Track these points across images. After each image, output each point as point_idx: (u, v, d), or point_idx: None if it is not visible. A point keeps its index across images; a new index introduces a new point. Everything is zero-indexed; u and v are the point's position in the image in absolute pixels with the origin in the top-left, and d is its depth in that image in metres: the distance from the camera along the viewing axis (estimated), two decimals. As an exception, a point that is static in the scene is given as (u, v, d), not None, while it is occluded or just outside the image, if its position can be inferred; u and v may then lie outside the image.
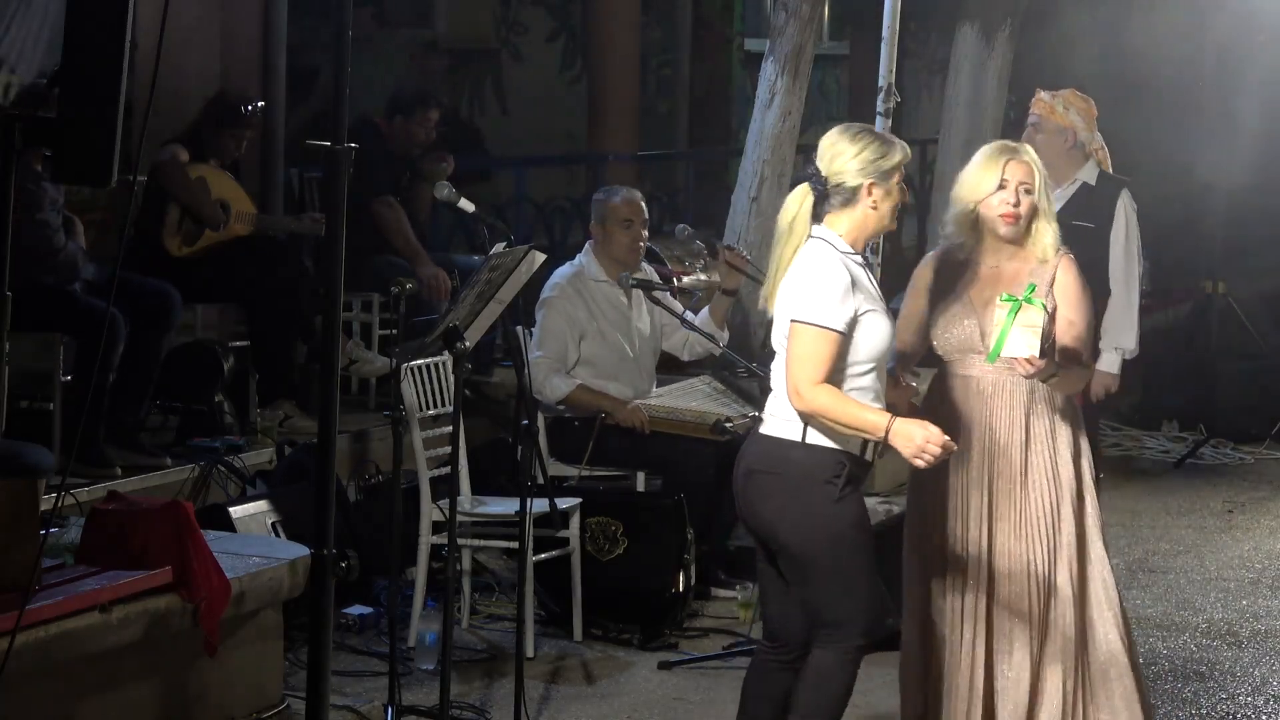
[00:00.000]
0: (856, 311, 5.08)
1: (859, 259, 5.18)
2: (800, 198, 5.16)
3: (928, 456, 5.06)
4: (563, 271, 7.95)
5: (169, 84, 8.59)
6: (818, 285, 5.07)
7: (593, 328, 7.86)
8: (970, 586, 5.62)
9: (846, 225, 5.16)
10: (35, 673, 5.20)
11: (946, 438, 5.10)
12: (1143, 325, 7.45)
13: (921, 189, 13.71)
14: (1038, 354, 5.36)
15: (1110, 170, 7.47)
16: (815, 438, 5.12)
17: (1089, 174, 7.38)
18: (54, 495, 5.30)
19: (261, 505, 7.14)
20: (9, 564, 5.16)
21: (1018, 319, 5.35)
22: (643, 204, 8.02)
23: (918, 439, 5.05)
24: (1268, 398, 11.34)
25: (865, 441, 5.14)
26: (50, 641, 5.24)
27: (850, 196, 5.14)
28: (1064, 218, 5.96)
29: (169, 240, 8.36)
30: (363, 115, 9.19)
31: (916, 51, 16.39)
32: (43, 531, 5.23)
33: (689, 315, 7.97)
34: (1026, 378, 5.49)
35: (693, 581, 7.44)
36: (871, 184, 5.12)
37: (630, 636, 7.27)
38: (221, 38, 9.61)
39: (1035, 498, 5.59)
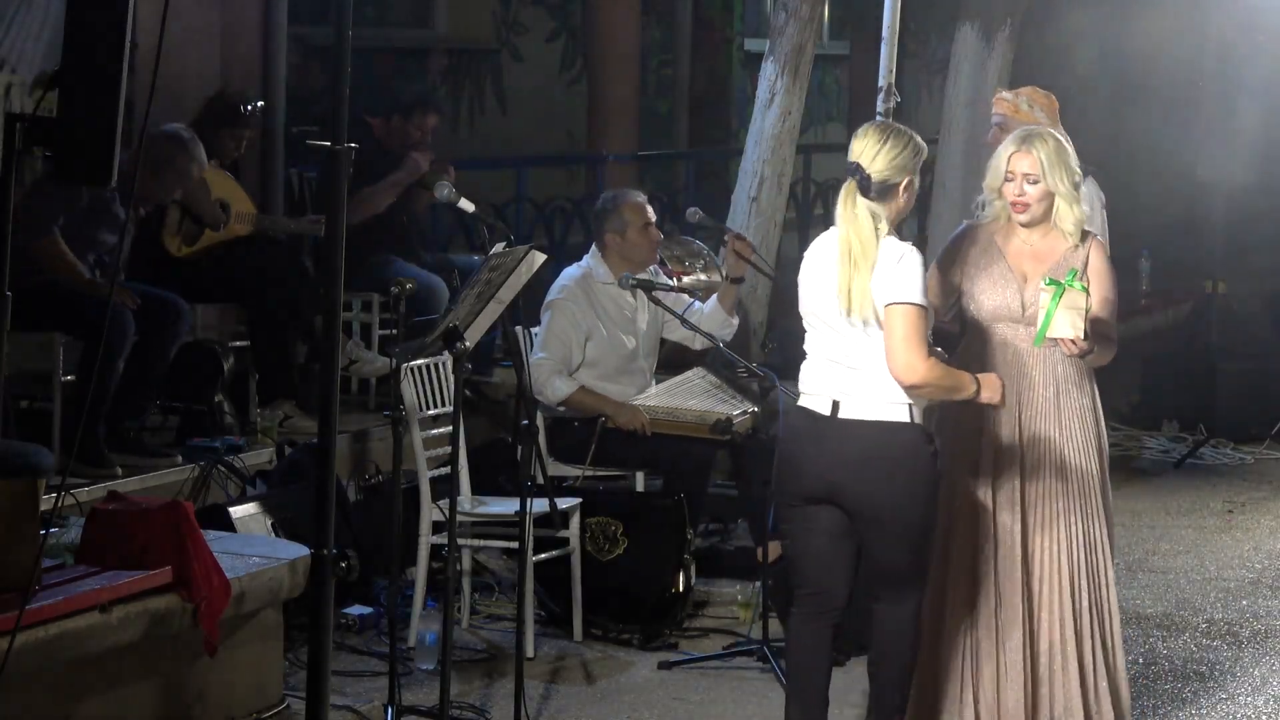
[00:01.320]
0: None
1: None
2: (854, 195, 5.47)
3: (1001, 395, 5.67)
4: (570, 274, 7.95)
5: (169, 84, 8.59)
6: (907, 267, 5.41)
7: (599, 330, 7.86)
8: (1004, 542, 5.91)
9: (890, 215, 5.52)
10: (35, 673, 5.20)
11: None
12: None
13: (921, 189, 13.68)
14: (1083, 335, 5.72)
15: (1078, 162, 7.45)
16: (919, 416, 5.53)
17: None
18: (54, 495, 5.30)
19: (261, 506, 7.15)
20: (9, 564, 5.16)
21: (1062, 302, 5.71)
22: (645, 200, 8.10)
23: (998, 383, 5.66)
24: (1268, 398, 11.33)
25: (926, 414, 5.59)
26: (50, 641, 5.24)
27: (890, 191, 5.51)
28: None
29: (169, 240, 8.36)
30: (355, 115, 9.16)
31: (916, 51, 16.38)
32: (43, 531, 5.23)
33: (696, 304, 7.99)
34: (1069, 356, 5.86)
35: (693, 581, 7.45)
36: (909, 180, 5.57)
37: (630, 636, 7.26)
38: (221, 38, 9.60)
39: (1071, 461, 5.91)
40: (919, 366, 5.37)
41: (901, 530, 5.53)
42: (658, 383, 8.07)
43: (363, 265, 8.81)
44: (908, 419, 5.48)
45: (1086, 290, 5.74)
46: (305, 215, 9.27)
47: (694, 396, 7.98)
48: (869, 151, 5.47)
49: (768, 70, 9.98)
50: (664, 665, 6.99)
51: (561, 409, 7.75)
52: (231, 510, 6.96)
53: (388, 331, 9.23)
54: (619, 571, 7.37)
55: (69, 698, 5.40)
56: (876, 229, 5.42)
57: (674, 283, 8.44)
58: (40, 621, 5.19)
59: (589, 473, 7.77)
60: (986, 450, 5.91)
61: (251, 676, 6.10)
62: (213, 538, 6.00)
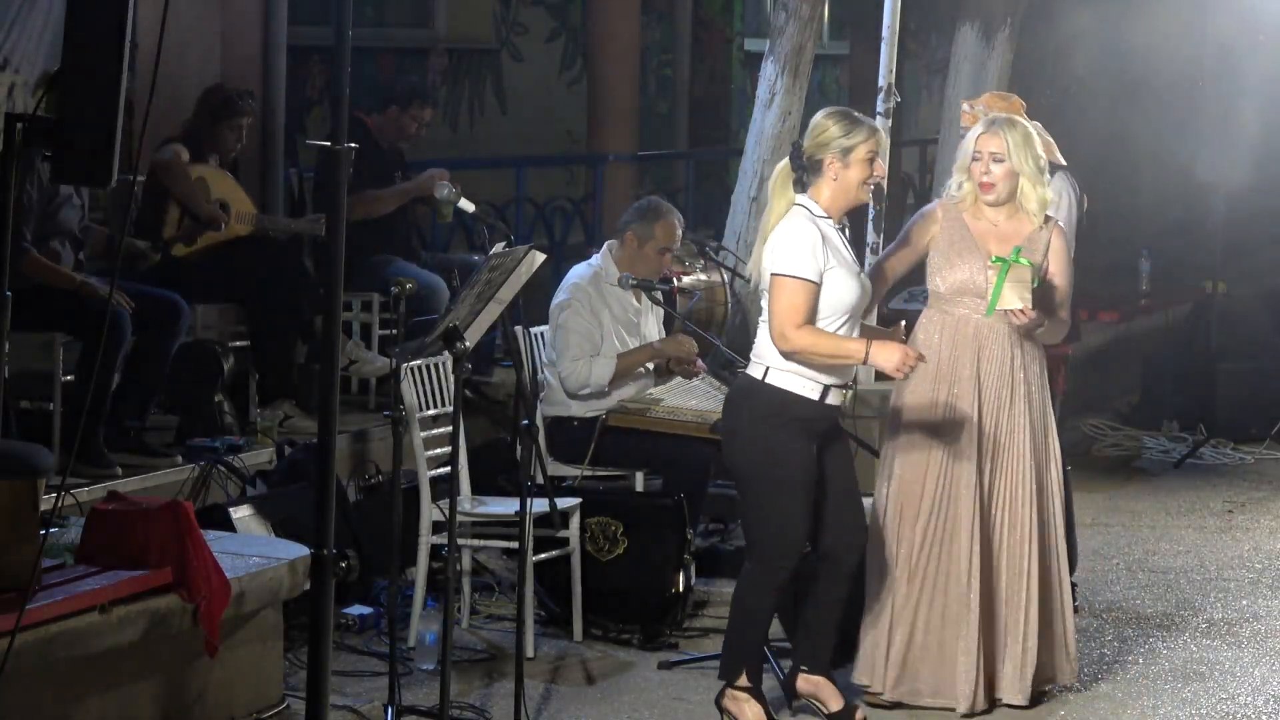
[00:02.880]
0: (824, 266, 5.89)
1: (832, 223, 5.99)
2: (782, 167, 6.03)
3: (907, 368, 5.89)
4: (580, 272, 7.93)
5: (169, 84, 8.59)
6: (791, 241, 5.89)
7: (608, 330, 7.86)
8: (965, 512, 6.35)
9: (822, 194, 5.98)
10: (35, 673, 5.20)
11: (917, 351, 5.95)
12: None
13: (921, 189, 13.70)
14: (1030, 305, 6.21)
15: (1060, 159, 7.47)
16: (774, 379, 5.96)
17: None
18: (54, 495, 5.30)
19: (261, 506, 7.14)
20: (9, 564, 5.16)
21: (1009, 276, 6.18)
22: (680, 232, 8.02)
23: (897, 354, 5.87)
24: (1268, 398, 11.33)
25: (826, 387, 5.94)
26: (50, 641, 5.24)
27: (817, 169, 5.97)
28: None
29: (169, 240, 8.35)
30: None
31: (916, 51, 16.38)
32: (43, 531, 5.23)
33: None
34: (1019, 327, 6.29)
35: (693, 581, 7.45)
36: (832, 159, 5.94)
37: (630, 636, 7.27)
38: (221, 38, 9.61)
39: (1021, 426, 6.40)
40: (789, 335, 5.84)
41: (737, 479, 6.13)
42: (657, 383, 8.07)
43: (363, 265, 8.82)
44: (760, 378, 5.96)
45: (1032, 265, 6.22)
46: (305, 215, 9.27)
47: (694, 396, 7.98)
48: (807, 131, 6.00)
49: (768, 70, 9.99)
50: (664, 665, 6.99)
51: (607, 402, 7.73)
52: (231, 510, 6.96)
53: (388, 331, 9.23)
54: (619, 571, 7.37)
55: (69, 698, 5.40)
56: (787, 197, 5.92)
57: (675, 283, 8.44)
58: (40, 621, 5.19)
59: (589, 473, 7.77)
60: (949, 418, 6.34)
61: (251, 676, 6.10)
62: (213, 538, 6.00)
